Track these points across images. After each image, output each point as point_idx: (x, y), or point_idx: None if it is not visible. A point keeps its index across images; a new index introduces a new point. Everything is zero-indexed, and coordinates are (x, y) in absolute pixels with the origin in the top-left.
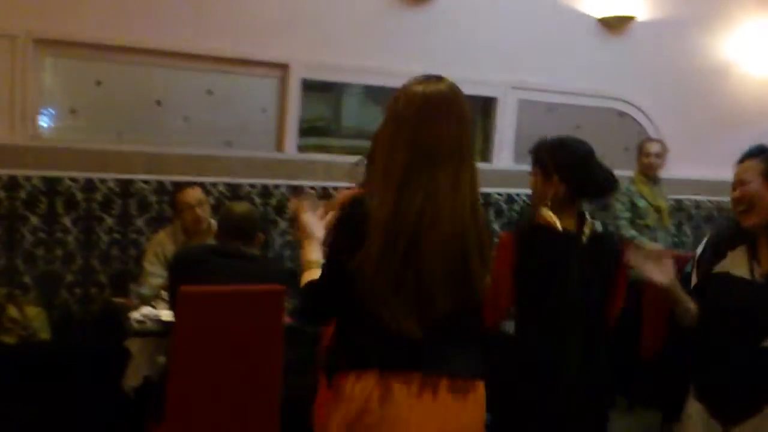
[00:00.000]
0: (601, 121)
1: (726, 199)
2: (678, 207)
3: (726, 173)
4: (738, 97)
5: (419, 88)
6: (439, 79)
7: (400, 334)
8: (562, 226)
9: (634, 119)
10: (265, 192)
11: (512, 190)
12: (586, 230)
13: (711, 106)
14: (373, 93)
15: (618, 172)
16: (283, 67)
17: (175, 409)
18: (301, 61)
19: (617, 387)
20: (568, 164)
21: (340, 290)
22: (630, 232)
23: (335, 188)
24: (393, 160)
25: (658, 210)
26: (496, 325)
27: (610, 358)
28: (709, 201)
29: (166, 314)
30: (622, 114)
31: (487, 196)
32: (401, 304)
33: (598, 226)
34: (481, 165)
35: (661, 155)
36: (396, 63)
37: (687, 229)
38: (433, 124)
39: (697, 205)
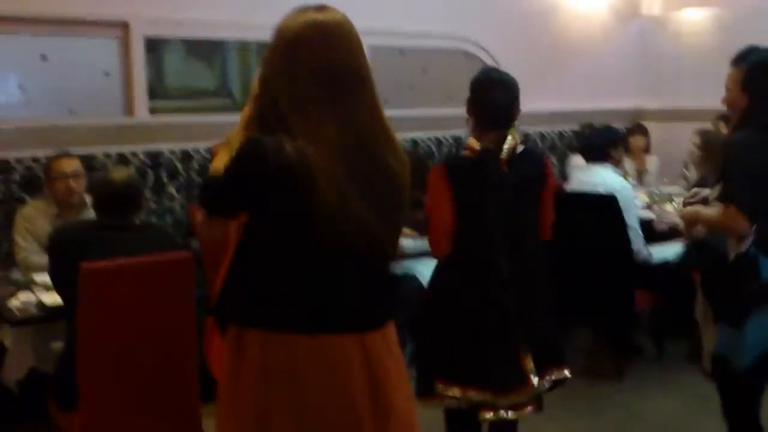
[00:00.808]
0: (449, 64)
1: (567, 128)
2: (522, 140)
3: (566, 104)
4: (569, 32)
5: (315, 15)
6: (325, 7)
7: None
8: (482, 146)
9: (480, 59)
10: (123, 160)
11: None
12: (505, 147)
13: (548, 42)
14: (194, 48)
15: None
16: (123, 26)
17: (90, 394)
18: (142, 17)
19: None
20: (472, 95)
21: (242, 198)
22: None
23: (196, 150)
24: (300, 92)
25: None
26: (445, 253)
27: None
28: (552, 131)
29: (48, 298)
30: (468, 55)
31: None
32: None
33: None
34: None
35: None
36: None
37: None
38: (339, 50)
39: (542, 136)
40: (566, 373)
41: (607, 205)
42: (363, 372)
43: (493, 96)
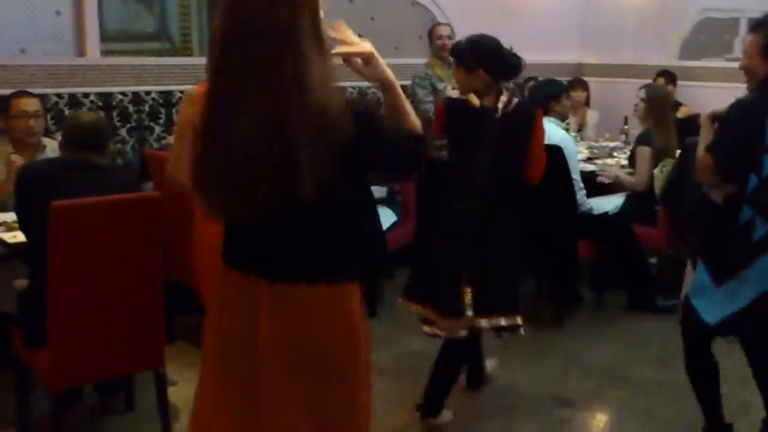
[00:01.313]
0: (395, 12)
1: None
2: (513, 94)
3: None
4: None
5: None
6: None
7: (237, 230)
8: (483, 104)
9: (425, 7)
10: (75, 102)
11: None
12: (499, 105)
13: None
14: None
15: (415, 60)
16: None
17: (59, 330)
18: None
19: None
20: (488, 57)
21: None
22: None
23: (147, 92)
24: (212, 36)
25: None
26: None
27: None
28: None
29: (10, 236)
30: (414, 3)
31: None
32: (224, 193)
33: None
34: None
35: (451, 37)
36: None
37: None
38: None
39: None
40: (518, 320)
41: (551, 157)
42: (256, 314)
43: (507, 53)
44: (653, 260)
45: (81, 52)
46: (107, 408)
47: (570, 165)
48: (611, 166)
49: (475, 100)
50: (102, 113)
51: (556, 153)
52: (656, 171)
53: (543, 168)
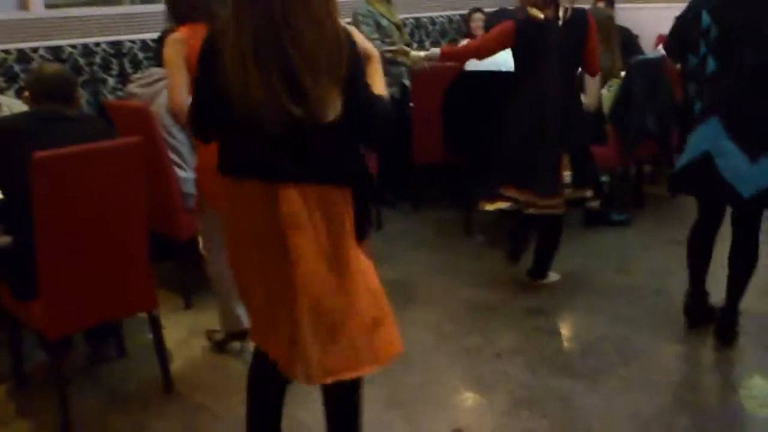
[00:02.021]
0: None
1: (456, 12)
2: (416, 24)
3: None
4: None
5: None
6: None
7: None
8: (544, 16)
9: None
10: (24, 58)
11: None
12: (561, 15)
13: None
14: None
15: None
16: None
17: (50, 281)
18: None
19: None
20: None
21: (209, 109)
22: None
23: (97, 44)
24: None
25: (398, 27)
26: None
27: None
28: (441, 16)
29: None
30: None
31: None
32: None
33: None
34: None
35: None
36: None
37: (427, 44)
38: None
39: (432, 21)
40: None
41: (506, 81)
42: (270, 212)
43: None
44: (605, 178)
45: (24, 5)
46: (100, 355)
47: None
48: None
49: (539, 14)
50: None
51: (508, 79)
52: (603, 91)
53: (598, 63)
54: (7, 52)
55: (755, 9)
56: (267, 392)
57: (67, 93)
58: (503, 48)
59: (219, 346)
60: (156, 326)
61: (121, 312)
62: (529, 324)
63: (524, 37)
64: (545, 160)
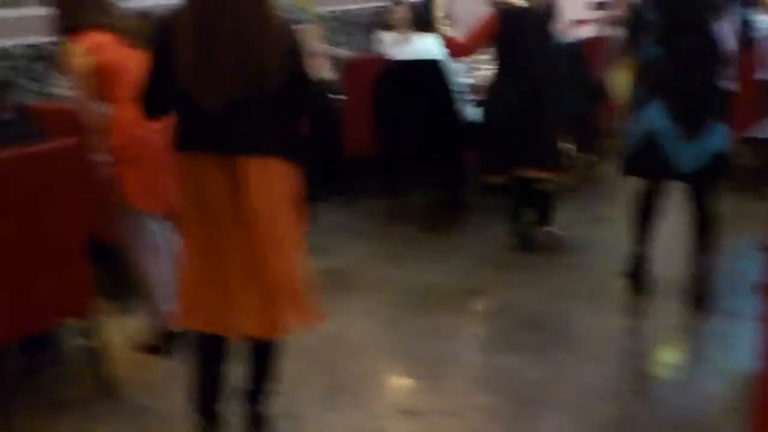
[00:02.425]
0: None
1: (371, 5)
2: (342, 17)
3: None
4: None
5: None
6: None
7: (203, 114)
8: (529, 4)
9: None
10: None
11: None
12: (534, 3)
13: None
14: None
15: None
16: None
17: None
18: None
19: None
20: None
21: (159, 85)
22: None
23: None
24: None
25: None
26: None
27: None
28: (357, 7)
29: None
30: None
31: None
32: (200, 83)
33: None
34: None
35: None
36: None
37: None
38: None
39: (345, 12)
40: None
41: (434, 70)
42: (226, 182)
43: None
44: None
45: None
46: (36, 365)
47: (449, 78)
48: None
49: (519, 3)
50: None
51: (436, 66)
52: None
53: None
54: None
55: (701, 4)
56: (212, 359)
57: None
58: (492, 40)
59: (153, 350)
60: (95, 331)
61: (56, 319)
62: (472, 305)
63: (504, 26)
64: (543, 135)
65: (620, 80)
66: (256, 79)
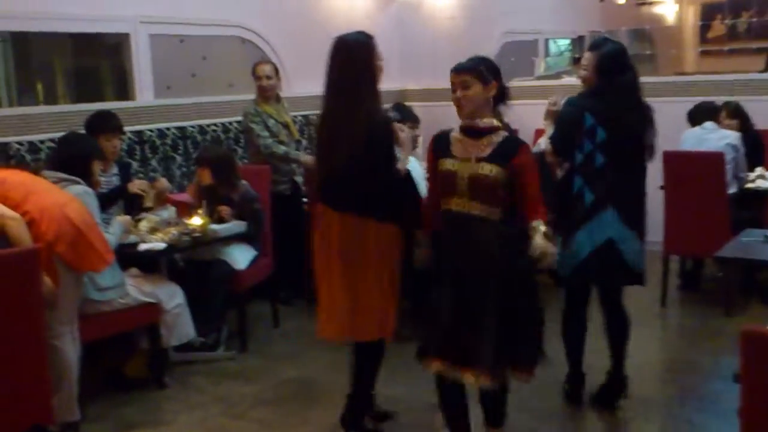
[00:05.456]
0: (226, 50)
1: None
2: (306, 122)
3: None
4: (336, 19)
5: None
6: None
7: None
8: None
9: (256, 45)
10: None
11: (161, 125)
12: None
13: (316, 29)
14: None
15: (247, 97)
16: None
17: None
18: None
19: None
20: (498, 69)
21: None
22: (280, 148)
23: None
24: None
25: (286, 126)
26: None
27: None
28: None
29: None
30: (244, 41)
31: (139, 133)
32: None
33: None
34: (122, 104)
35: (272, 76)
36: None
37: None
38: (332, 65)
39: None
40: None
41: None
42: (337, 230)
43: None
44: None
45: None
46: None
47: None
48: None
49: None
50: None
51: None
52: None
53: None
54: None
55: (638, 120)
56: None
57: None
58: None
59: None
60: None
61: (15, 425)
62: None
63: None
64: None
65: None
66: (344, 161)
